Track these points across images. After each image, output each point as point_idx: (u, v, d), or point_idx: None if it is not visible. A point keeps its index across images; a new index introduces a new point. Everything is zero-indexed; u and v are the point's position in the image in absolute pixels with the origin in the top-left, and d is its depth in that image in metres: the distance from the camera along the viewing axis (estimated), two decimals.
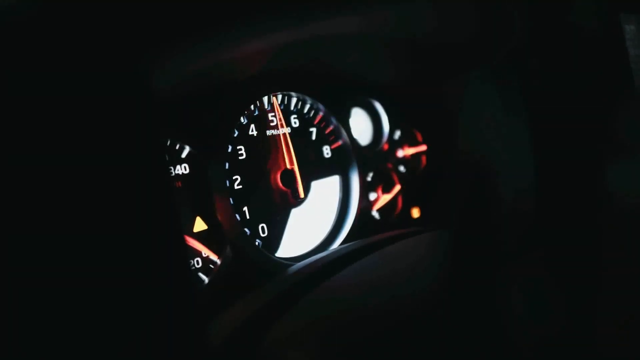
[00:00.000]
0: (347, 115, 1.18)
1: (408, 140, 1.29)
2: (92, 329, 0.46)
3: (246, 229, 0.98)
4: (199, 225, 0.93)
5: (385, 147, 1.24)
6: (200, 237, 0.93)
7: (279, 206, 1.04)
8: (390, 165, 1.25)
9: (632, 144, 0.93)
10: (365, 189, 1.16)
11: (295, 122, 1.09)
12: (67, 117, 0.47)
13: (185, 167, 0.93)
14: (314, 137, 1.12)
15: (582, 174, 0.98)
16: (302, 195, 1.05)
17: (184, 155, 0.93)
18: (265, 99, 1.04)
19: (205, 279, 0.92)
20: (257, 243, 0.99)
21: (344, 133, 1.14)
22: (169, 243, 0.51)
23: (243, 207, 0.99)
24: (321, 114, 1.13)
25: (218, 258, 0.94)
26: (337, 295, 0.72)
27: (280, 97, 1.07)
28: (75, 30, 0.48)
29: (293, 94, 1.08)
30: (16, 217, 0.44)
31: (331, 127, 1.14)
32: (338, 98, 1.15)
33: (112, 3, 0.49)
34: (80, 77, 0.48)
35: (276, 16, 0.65)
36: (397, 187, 1.24)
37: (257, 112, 1.03)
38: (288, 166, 1.03)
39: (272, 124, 1.05)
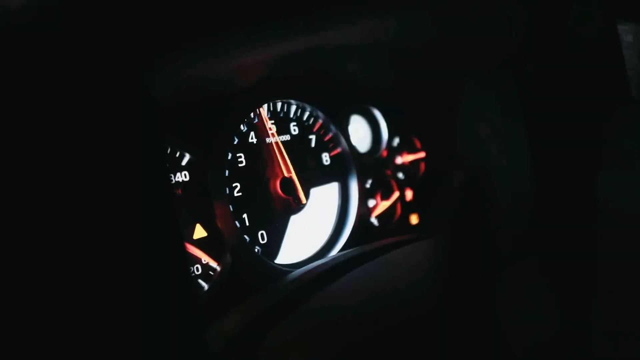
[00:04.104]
0: (346, 122, 1.19)
1: (407, 147, 1.30)
2: (91, 336, 0.46)
3: (246, 236, 0.98)
4: (199, 232, 0.93)
5: (384, 154, 1.25)
6: (200, 244, 0.93)
7: (278, 213, 1.05)
8: (389, 172, 1.26)
9: (628, 151, 0.94)
10: (364, 195, 1.16)
11: (294, 130, 1.10)
12: (69, 125, 0.48)
13: (185, 174, 0.93)
14: (313, 145, 1.13)
15: (579, 180, 0.98)
16: (303, 201, 1.06)
17: (184, 162, 0.93)
18: (265, 106, 1.05)
19: (205, 286, 0.92)
20: (256, 250, 1.00)
21: (343, 140, 1.15)
22: (169, 250, 0.51)
23: (243, 214, 0.99)
24: (320, 121, 1.14)
25: (218, 265, 0.94)
26: (337, 302, 0.72)
27: (279, 104, 1.08)
28: (76, 39, 0.48)
29: (292, 101, 1.09)
30: (14, 224, 0.45)
31: (330, 135, 1.15)
32: (337, 105, 1.16)
33: (113, 12, 0.50)
34: (81, 85, 0.49)
35: (277, 27, 0.66)
36: (396, 194, 1.25)
37: (256, 120, 1.04)
38: (285, 174, 1.04)
39: (271, 132, 1.06)
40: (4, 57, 0.46)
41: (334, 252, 1.10)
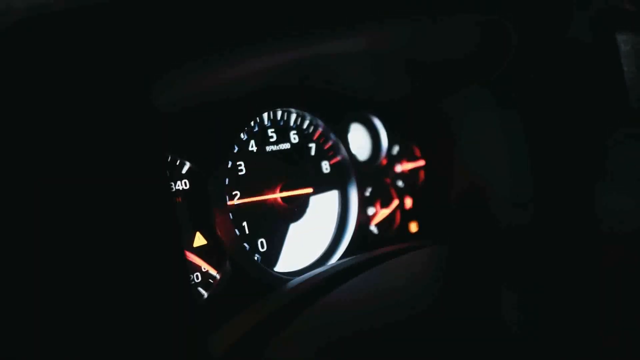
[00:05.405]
0: (346, 130, 1.19)
1: (406, 155, 1.30)
2: (92, 343, 0.46)
3: (245, 244, 0.98)
4: (199, 240, 0.94)
5: (384, 162, 1.25)
6: (200, 252, 0.93)
7: (278, 221, 1.05)
8: (388, 180, 1.26)
9: (626, 160, 0.94)
10: (364, 203, 1.17)
11: (294, 138, 1.11)
12: (71, 133, 0.48)
13: (185, 182, 0.94)
14: (313, 153, 1.13)
15: (577, 189, 0.99)
16: (309, 191, 1.07)
17: (184, 171, 0.94)
18: (265, 115, 1.06)
19: (205, 294, 0.92)
20: (256, 258, 1.00)
21: (343, 148, 1.15)
22: (169, 258, 0.52)
23: (242, 222, 1.00)
24: (320, 129, 1.14)
25: (217, 273, 0.94)
26: (336, 310, 0.72)
27: (279, 113, 1.08)
28: (77, 50, 0.49)
29: (292, 110, 1.09)
30: (18, 230, 0.45)
31: (330, 143, 1.15)
32: (337, 114, 1.16)
33: (116, 24, 0.50)
34: (83, 94, 0.49)
35: (278, 38, 0.66)
36: (396, 202, 1.25)
37: (256, 128, 1.05)
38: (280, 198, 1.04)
39: (271, 140, 1.06)
40: (16, 54, 0.46)
41: (334, 260, 1.10)
